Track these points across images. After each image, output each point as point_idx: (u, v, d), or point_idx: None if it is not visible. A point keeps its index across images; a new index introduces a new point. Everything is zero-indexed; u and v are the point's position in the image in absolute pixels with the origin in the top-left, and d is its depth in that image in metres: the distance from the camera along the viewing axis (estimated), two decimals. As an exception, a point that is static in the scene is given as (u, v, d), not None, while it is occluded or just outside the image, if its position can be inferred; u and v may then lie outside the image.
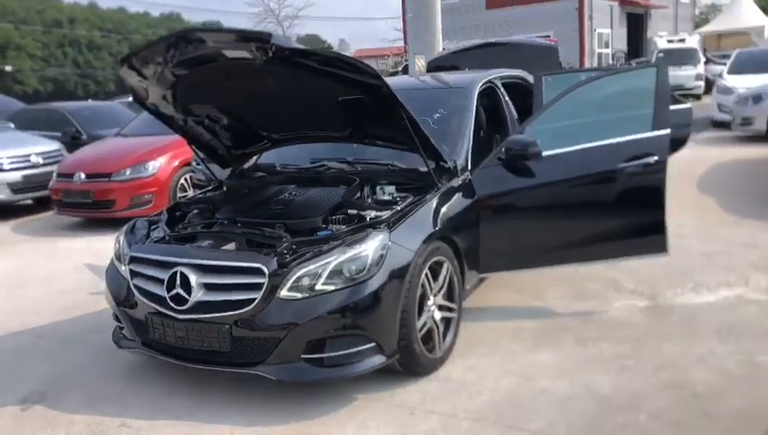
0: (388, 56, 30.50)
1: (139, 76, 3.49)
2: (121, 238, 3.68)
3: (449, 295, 3.52)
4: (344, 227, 3.34)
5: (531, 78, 5.07)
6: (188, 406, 3.23)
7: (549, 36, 20.98)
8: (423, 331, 3.27)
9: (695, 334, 3.64)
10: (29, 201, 9.06)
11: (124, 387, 3.50)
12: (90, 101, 20.59)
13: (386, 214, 3.34)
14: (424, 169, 3.66)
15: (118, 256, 3.63)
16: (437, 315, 3.39)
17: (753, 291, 4.20)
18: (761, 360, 3.30)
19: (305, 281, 3.00)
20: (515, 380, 3.26)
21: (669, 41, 21.74)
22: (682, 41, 21.29)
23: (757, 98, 10.27)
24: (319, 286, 2.99)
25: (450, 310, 3.52)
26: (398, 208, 3.38)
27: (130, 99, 15.48)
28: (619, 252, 3.90)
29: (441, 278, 3.43)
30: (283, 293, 3.00)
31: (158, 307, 3.20)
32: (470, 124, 4.09)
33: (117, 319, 3.60)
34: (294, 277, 3.00)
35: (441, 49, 12.42)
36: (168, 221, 3.76)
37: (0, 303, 5.17)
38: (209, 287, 3.08)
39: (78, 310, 4.76)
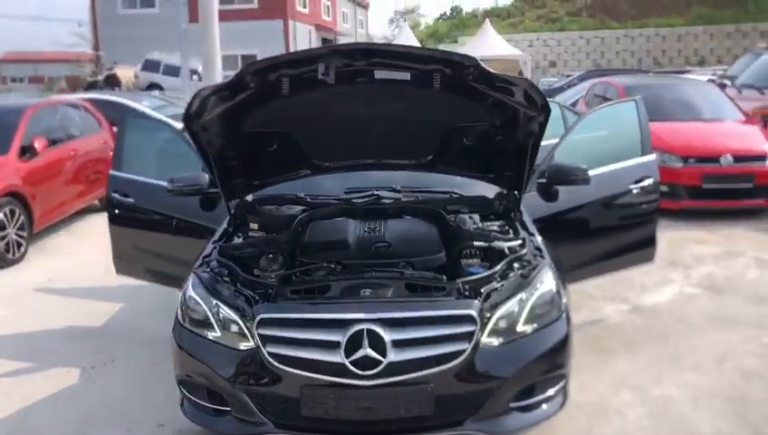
0: (79, 61, 27.22)
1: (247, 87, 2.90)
2: (197, 297, 2.88)
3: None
4: (478, 260, 3.18)
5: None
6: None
7: (256, 56, 21.21)
8: None
9: (702, 327, 4.31)
10: None
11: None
12: None
13: (518, 244, 3.23)
14: (490, 195, 3.67)
15: (202, 321, 2.83)
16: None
17: (689, 285, 5.10)
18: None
19: (502, 324, 2.77)
20: (634, 393, 3.47)
21: None
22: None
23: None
24: (519, 328, 2.80)
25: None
26: (522, 238, 3.30)
27: None
28: (622, 265, 4.39)
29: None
30: (484, 339, 2.74)
31: (326, 377, 2.61)
32: None
33: (213, 400, 2.82)
34: (493, 321, 2.77)
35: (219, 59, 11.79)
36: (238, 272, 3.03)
37: None
38: (400, 344, 2.63)
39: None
